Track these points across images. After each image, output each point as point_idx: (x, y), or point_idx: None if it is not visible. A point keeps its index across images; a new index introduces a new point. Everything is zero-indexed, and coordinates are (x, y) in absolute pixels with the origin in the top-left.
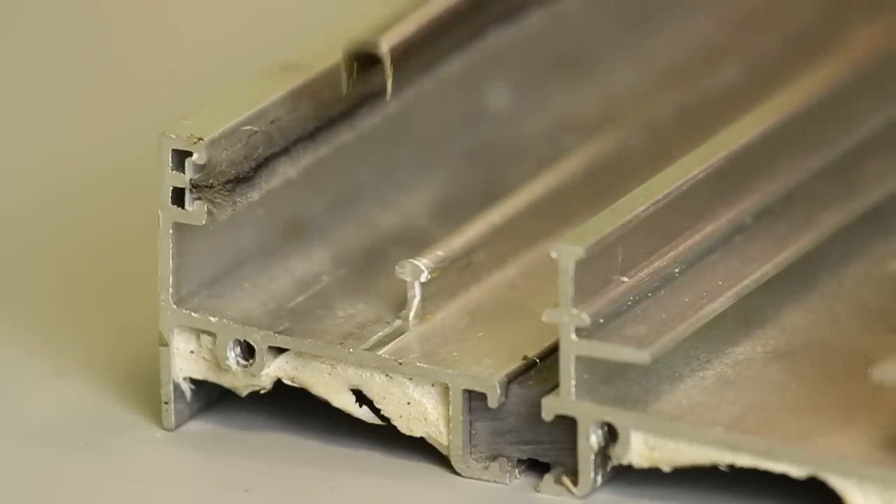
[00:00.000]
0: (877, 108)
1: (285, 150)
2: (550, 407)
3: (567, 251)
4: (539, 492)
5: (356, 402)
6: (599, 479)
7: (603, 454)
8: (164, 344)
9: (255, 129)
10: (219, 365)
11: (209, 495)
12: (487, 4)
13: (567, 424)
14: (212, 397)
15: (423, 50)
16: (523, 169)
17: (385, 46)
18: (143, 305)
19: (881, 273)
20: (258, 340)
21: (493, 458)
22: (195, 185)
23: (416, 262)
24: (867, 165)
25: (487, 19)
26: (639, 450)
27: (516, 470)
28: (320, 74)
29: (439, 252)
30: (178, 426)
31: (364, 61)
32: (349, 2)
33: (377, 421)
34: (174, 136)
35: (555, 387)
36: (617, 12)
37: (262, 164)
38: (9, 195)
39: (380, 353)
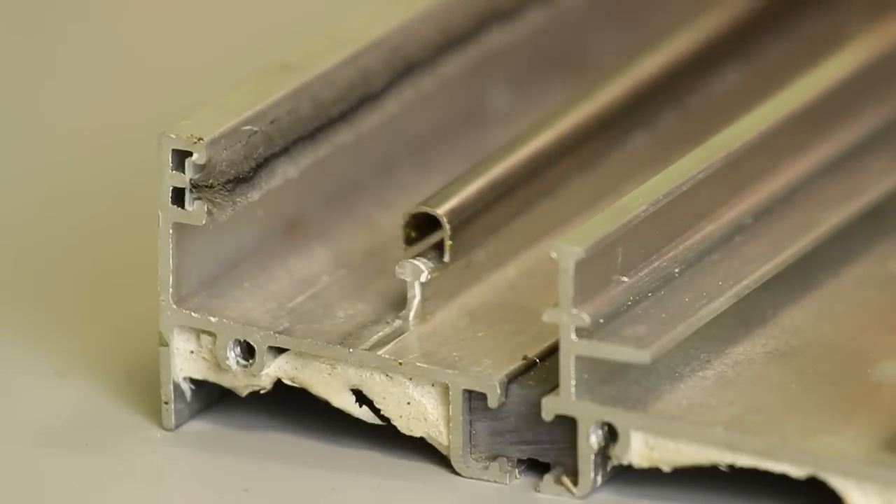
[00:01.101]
0: (877, 108)
1: (285, 150)
2: (550, 407)
3: (567, 251)
4: (539, 492)
5: (356, 402)
6: (599, 479)
7: (603, 454)
8: (164, 344)
9: (255, 129)
10: (219, 365)
11: (209, 495)
12: (541, 174)
13: (567, 424)
14: (212, 397)
15: (480, 213)
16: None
17: (443, 209)
18: (144, 305)
19: (881, 273)
20: (258, 340)
21: (493, 458)
22: (195, 185)
23: (416, 262)
24: (867, 165)
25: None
26: (639, 450)
27: (516, 470)
28: (320, 75)
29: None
30: (178, 426)
31: (423, 223)
32: (349, 2)
33: (377, 421)
34: (174, 136)
35: (555, 387)
36: (616, 12)
37: (262, 164)
38: (9, 195)
39: (380, 353)
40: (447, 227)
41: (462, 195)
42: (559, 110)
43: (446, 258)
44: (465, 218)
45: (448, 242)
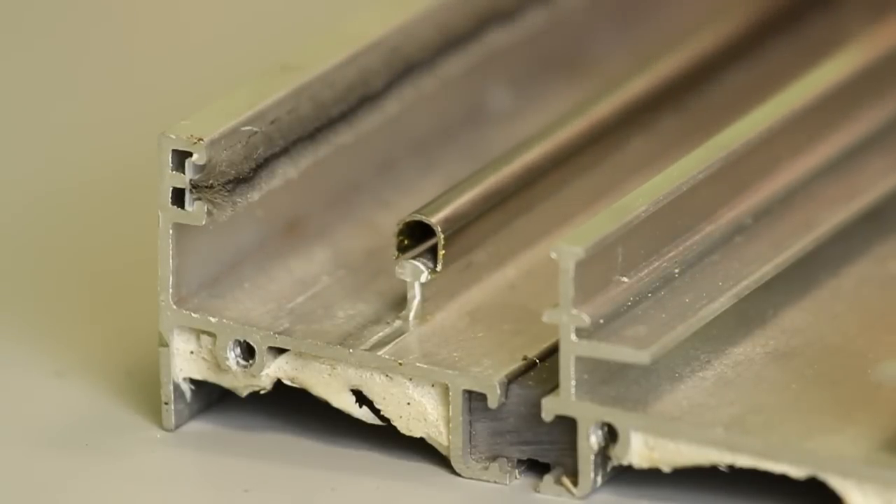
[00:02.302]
0: (876, 109)
1: (285, 151)
2: (550, 407)
3: (567, 251)
4: (539, 492)
5: (356, 402)
6: (599, 479)
7: (603, 454)
8: (164, 344)
9: (255, 129)
10: (219, 365)
11: (209, 496)
12: (540, 178)
13: (567, 425)
14: (212, 398)
15: (475, 222)
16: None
17: (437, 217)
18: (143, 306)
19: (881, 273)
20: (258, 341)
21: (493, 458)
22: (195, 186)
23: (415, 262)
24: (866, 166)
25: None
26: (639, 450)
27: (516, 470)
28: (320, 75)
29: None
30: (178, 426)
31: (417, 230)
32: (349, 2)
33: (377, 421)
34: (174, 137)
35: (555, 387)
36: (616, 12)
37: (262, 165)
38: (9, 196)
39: (380, 353)
40: (440, 235)
41: (456, 204)
42: (560, 118)
43: (438, 267)
44: (459, 227)
45: (441, 252)
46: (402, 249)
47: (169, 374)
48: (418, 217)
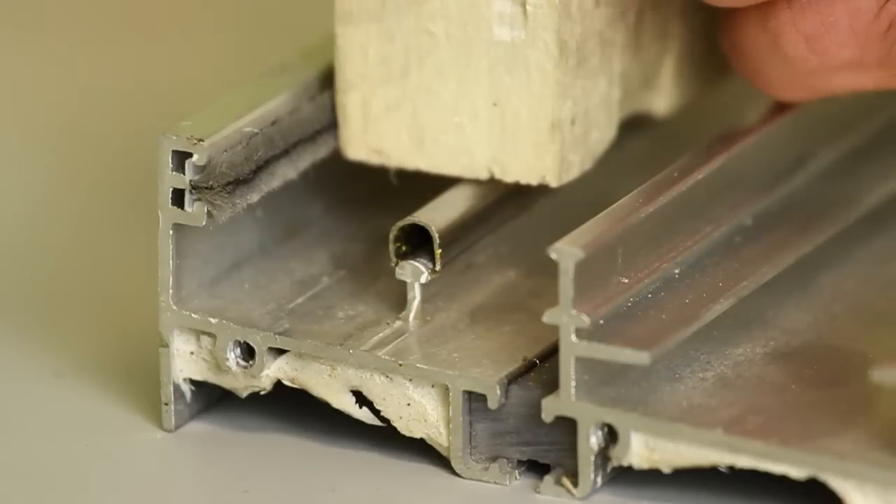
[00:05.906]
0: (877, 110)
1: (285, 152)
2: (550, 408)
3: (567, 252)
4: (539, 493)
5: (356, 403)
6: (599, 480)
7: (603, 455)
8: (164, 345)
9: (256, 130)
10: (219, 366)
11: (209, 496)
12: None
13: (567, 425)
14: (212, 398)
15: (470, 230)
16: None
17: (431, 218)
18: (144, 306)
19: (881, 274)
20: (258, 341)
21: (493, 459)
22: (195, 187)
23: (415, 263)
24: (867, 167)
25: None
26: (639, 451)
27: (516, 471)
28: (321, 76)
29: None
30: (178, 427)
31: (414, 236)
32: None
33: (377, 422)
34: (174, 138)
35: (555, 388)
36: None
37: (263, 166)
38: (9, 196)
39: (380, 354)
40: (436, 235)
41: (454, 204)
42: None
43: (438, 267)
44: (457, 227)
45: (438, 251)
46: (400, 256)
47: (169, 374)
48: (414, 220)
